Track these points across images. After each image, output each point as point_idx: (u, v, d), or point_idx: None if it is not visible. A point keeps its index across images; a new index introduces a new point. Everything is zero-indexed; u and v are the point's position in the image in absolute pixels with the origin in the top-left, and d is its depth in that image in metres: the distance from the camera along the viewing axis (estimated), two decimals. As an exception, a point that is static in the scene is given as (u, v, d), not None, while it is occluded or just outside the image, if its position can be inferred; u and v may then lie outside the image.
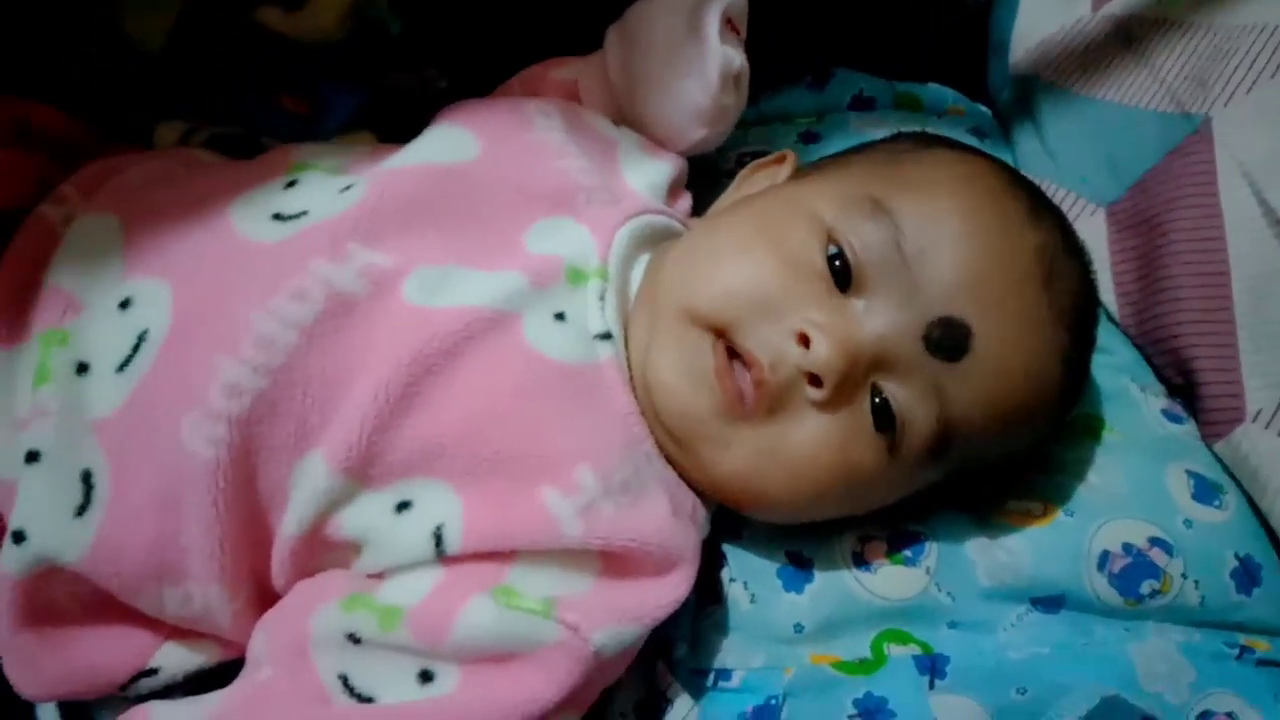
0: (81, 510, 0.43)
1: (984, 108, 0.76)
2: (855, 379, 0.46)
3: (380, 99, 0.64)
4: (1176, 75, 0.61)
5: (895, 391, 0.46)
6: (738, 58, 0.57)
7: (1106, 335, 0.61)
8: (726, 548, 0.52)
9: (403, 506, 0.43)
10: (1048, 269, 0.48)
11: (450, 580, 0.42)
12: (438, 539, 0.43)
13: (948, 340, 0.46)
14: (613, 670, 0.46)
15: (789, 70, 0.73)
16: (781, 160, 0.56)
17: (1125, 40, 0.65)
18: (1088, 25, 0.67)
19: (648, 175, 0.55)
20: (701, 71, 0.56)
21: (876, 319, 0.46)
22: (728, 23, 0.56)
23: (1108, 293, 0.62)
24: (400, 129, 0.56)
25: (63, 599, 0.45)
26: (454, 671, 0.41)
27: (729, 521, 0.52)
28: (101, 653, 0.46)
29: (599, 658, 0.42)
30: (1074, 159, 0.66)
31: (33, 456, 0.43)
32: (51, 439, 0.43)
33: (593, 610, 0.42)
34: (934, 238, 0.46)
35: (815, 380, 0.45)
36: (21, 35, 0.59)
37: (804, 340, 0.45)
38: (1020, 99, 0.71)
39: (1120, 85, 0.64)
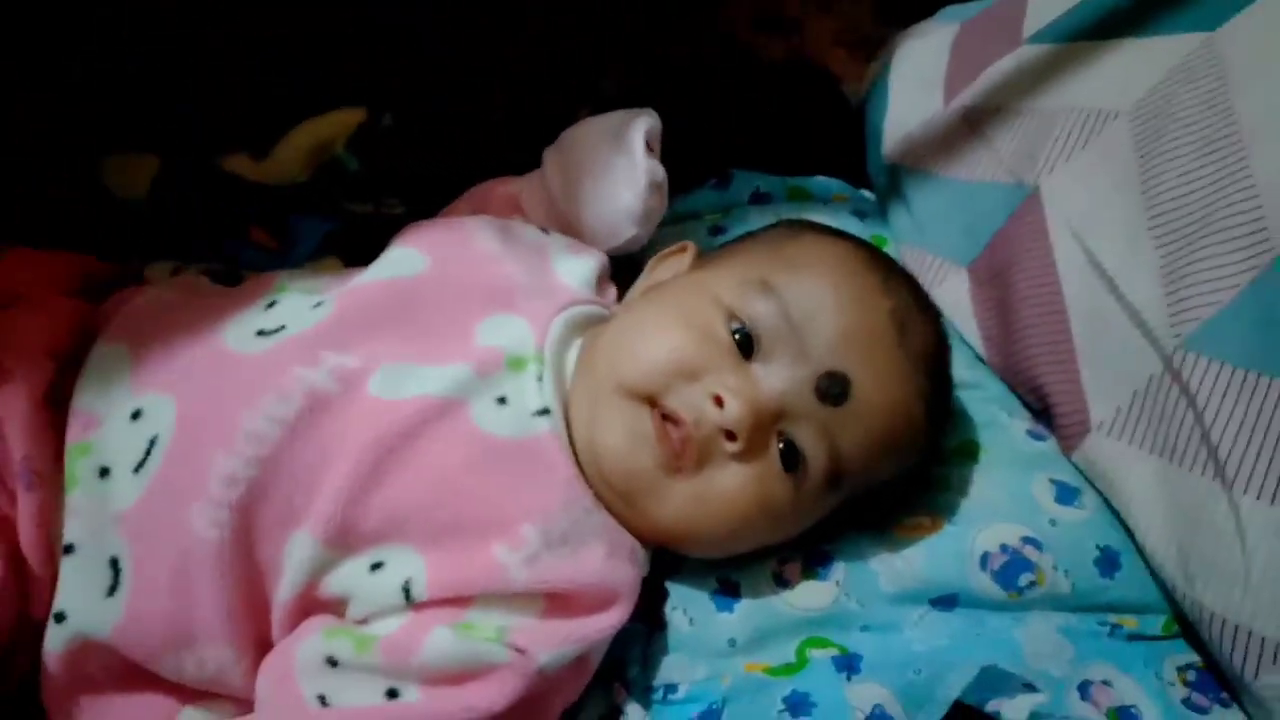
0: (111, 591, 0.51)
1: (866, 192, 0.88)
2: (763, 429, 0.55)
3: (343, 226, 0.75)
4: (1011, 153, 0.73)
5: (797, 434, 0.56)
6: (659, 169, 0.68)
7: (977, 373, 0.71)
8: (668, 583, 0.61)
9: (376, 566, 0.52)
10: (900, 327, 0.58)
11: (418, 619, 0.51)
12: (406, 591, 0.51)
13: (834, 389, 0.56)
14: (568, 690, 0.53)
15: (695, 174, 0.85)
16: (683, 250, 0.67)
17: (970, 127, 0.77)
18: (941, 117, 0.79)
19: (577, 271, 0.66)
20: (631, 180, 0.67)
21: (775, 379, 0.56)
22: (646, 144, 0.68)
23: (974, 338, 0.72)
24: (363, 252, 0.66)
25: (96, 671, 0.52)
26: (416, 690, 0.49)
27: (668, 561, 0.61)
28: (131, 714, 0.53)
29: (543, 675, 0.50)
30: (938, 229, 0.77)
31: (68, 550, 0.52)
32: (82, 533, 0.52)
33: (538, 636, 0.51)
34: (813, 307, 0.57)
35: (730, 435, 0.54)
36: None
37: (719, 402, 0.54)
38: (892, 183, 0.83)
39: (969, 164, 0.76)
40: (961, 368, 0.70)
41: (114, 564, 0.51)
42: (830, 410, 0.56)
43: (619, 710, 0.56)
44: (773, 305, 0.57)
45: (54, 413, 0.54)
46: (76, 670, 0.52)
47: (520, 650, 0.50)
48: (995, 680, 0.54)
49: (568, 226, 0.70)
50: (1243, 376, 0.55)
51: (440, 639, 0.49)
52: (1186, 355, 0.57)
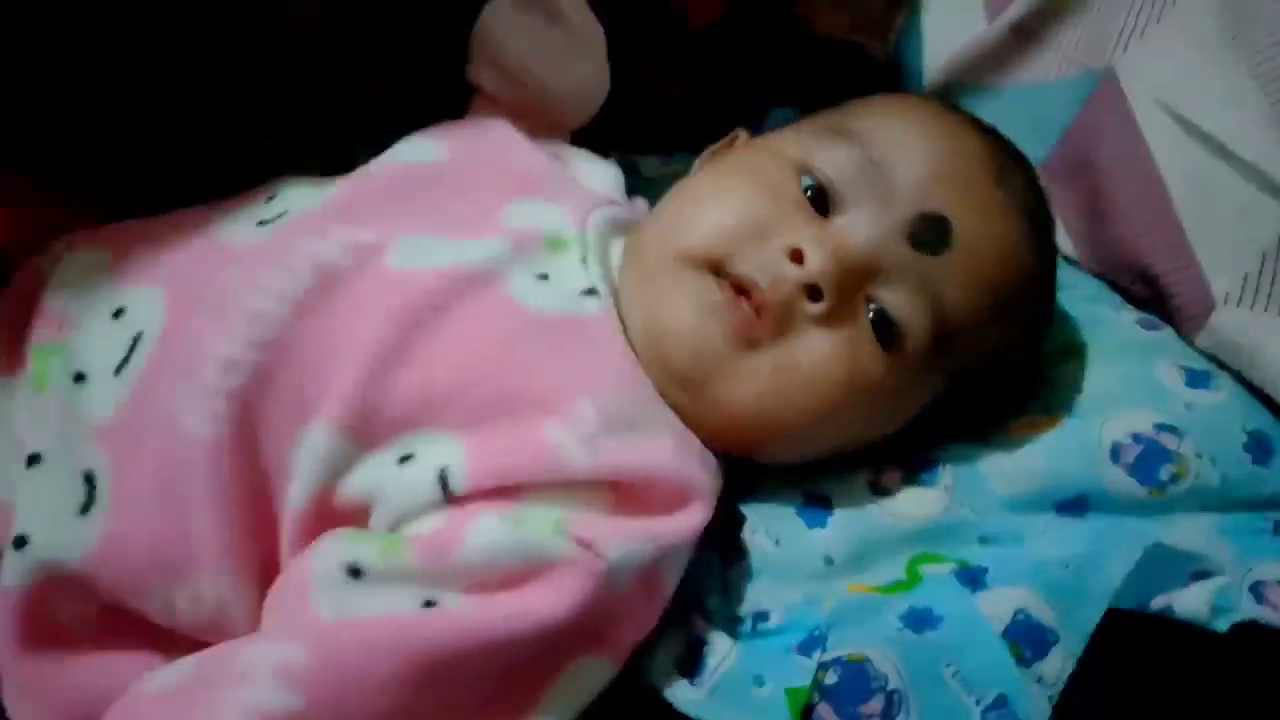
0: (85, 508, 0.42)
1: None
2: (851, 288, 0.47)
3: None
4: (1075, 46, 0.67)
5: (889, 298, 0.48)
6: None
7: (1067, 274, 0.63)
8: (744, 507, 0.51)
9: (405, 459, 0.43)
10: (1000, 166, 0.51)
11: (458, 515, 0.41)
12: (443, 481, 0.42)
13: (931, 233, 0.48)
14: (640, 616, 0.44)
15: (730, 115, 0.79)
16: (733, 140, 0.60)
17: (1025, 35, 0.71)
18: (988, 34, 0.74)
19: (601, 175, 0.58)
20: (559, 20, 0.58)
21: (861, 229, 0.48)
22: None
23: (1062, 238, 0.65)
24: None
25: (67, 616, 0.42)
26: (459, 597, 0.39)
27: (742, 481, 0.52)
28: (110, 677, 0.42)
29: (613, 577, 0.40)
30: None
31: (34, 460, 0.43)
32: (52, 442, 0.43)
33: (605, 530, 0.41)
34: (898, 146, 0.50)
35: (814, 293, 0.46)
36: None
37: (797, 257, 0.46)
38: (942, 107, 0.77)
39: (1030, 68, 0.70)
40: (1054, 264, 0.61)
41: (89, 479, 0.43)
42: (928, 260, 0.48)
43: (699, 642, 0.46)
44: (852, 150, 0.49)
45: None
46: (41, 615, 0.42)
47: (585, 544, 0.40)
48: (1161, 566, 0.44)
49: (545, 123, 0.60)
50: None
51: (486, 529, 0.40)
52: None
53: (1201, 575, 0.45)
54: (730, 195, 0.49)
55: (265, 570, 0.43)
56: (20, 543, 0.41)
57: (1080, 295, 0.61)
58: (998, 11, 0.74)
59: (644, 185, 0.71)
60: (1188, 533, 0.49)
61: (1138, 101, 0.61)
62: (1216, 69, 0.58)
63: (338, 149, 0.60)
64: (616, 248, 0.54)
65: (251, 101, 0.58)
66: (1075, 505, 0.51)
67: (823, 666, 0.44)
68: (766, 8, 0.87)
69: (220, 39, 0.57)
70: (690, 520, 0.44)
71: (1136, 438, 0.51)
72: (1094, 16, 0.67)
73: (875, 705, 0.43)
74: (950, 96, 0.76)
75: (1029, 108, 0.69)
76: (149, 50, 0.56)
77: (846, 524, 0.50)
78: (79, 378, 0.45)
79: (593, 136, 0.66)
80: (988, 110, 0.72)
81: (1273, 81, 0.54)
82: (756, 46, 0.89)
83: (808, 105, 0.84)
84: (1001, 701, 0.42)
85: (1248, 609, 0.46)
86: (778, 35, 0.94)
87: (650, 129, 0.78)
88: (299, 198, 0.50)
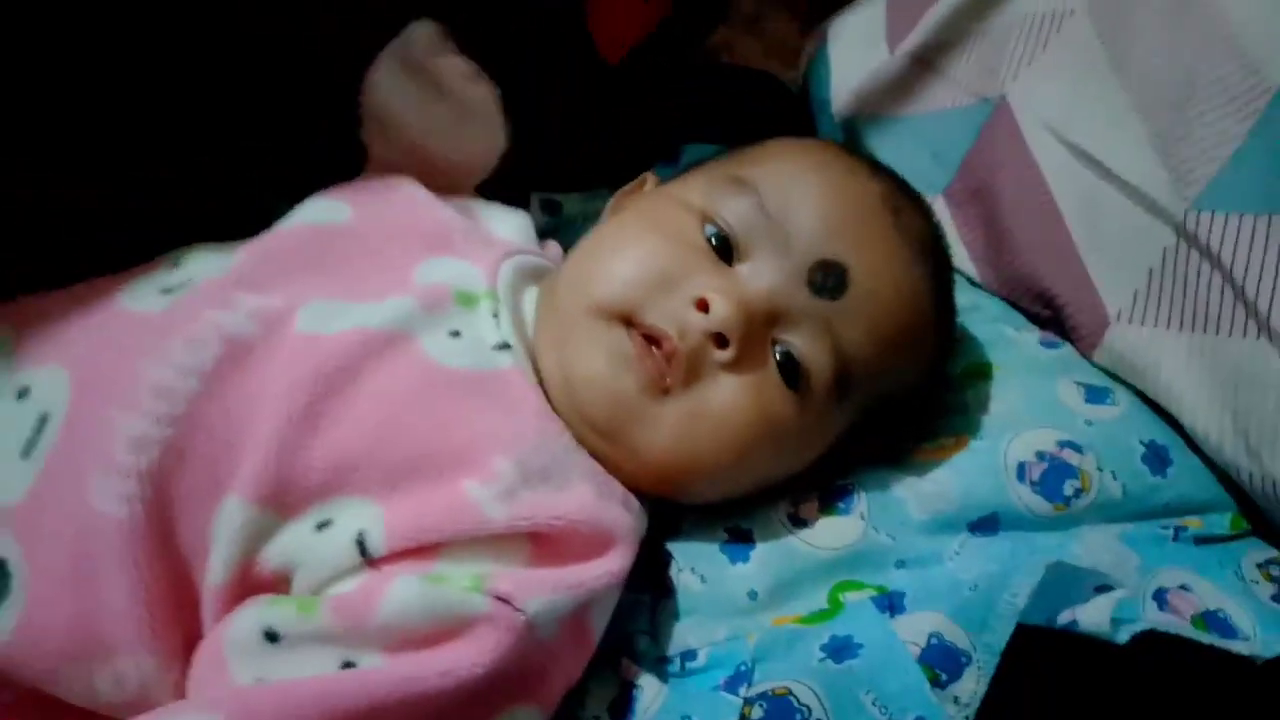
0: (1, 597, 0.42)
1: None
2: (756, 334, 0.49)
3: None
4: (969, 75, 0.70)
5: (794, 341, 0.50)
6: (460, 63, 0.60)
7: (972, 295, 0.65)
8: (670, 545, 0.53)
9: (323, 525, 0.43)
10: (893, 210, 0.53)
11: (377, 576, 0.42)
12: (361, 545, 0.42)
13: (829, 279, 0.50)
14: (568, 663, 0.45)
15: (643, 154, 0.80)
16: (642, 183, 0.61)
17: (921, 65, 0.74)
18: (889, 65, 0.76)
19: (510, 223, 0.59)
20: (446, 94, 0.59)
21: (763, 277, 0.50)
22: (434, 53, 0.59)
23: (964, 262, 0.67)
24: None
25: None
26: (378, 657, 0.40)
27: (667, 520, 0.53)
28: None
29: (533, 629, 0.41)
30: (905, 165, 0.70)
31: None
32: None
33: (524, 582, 0.42)
34: (793, 194, 0.51)
35: (721, 340, 0.48)
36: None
37: (703, 306, 0.48)
38: (849, 137, 0.79)
39: (926, 99, 0.73)
40: (956, 292, 0.64)
41: (1, 569, 0.42)
42: (827, 304, 0.49)
43: (630, 686, 0.47)
44: (747, 199, 0.51)
45: None
46: None
47: (504, 599, 0.41)
48: (1064, 583, 0.46)
49: (438, 186, 0.59)
50: (1266, 221, 0.51)
51: (403, 589, 0.40)
52: (1199, 216, 0.53)
53: (1105, 589, 0.47)
54: (638, 246, 0.51)
55: (188, 646, 0.43)
56: None
57: (985, 316, 0.64)
58: (897, 42, 0.77)
59: (566, 223, 0.73)
60: (1093, 544, 0.51)
61: (1029, 128, 0.64)
62: (1099, 95, 0.60)
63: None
64: (530, 296, 0.55)
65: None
66: (987, 524, 0.52)
67: (748, 702, 0.45)
68: (681, 38, 0.89)
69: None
70: (611, 565, 0.45)
71: (1041, 455, 0.53)
72: (985, 45, 0.70)
73: (800, 736, 0.44)
74: (856, 127, 0.78)
75: (930, 137, 0.71)
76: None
77: (768, 558, 0.51)
78: None
79: (509, 176, 0.67)
80: (892, 140, 0.75)
81: (1149, 110, 0.57)
82: (671, 81, 0.91)
83: (722, 138, 0.87)
84: (919, 725, 0.44)
85: (1151, 617, 0.48)
86: (691, 68, 0.96)
87: (568, 166, 0.79)
88: (204, 264, 0.51)
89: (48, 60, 0.53)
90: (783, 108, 0.90)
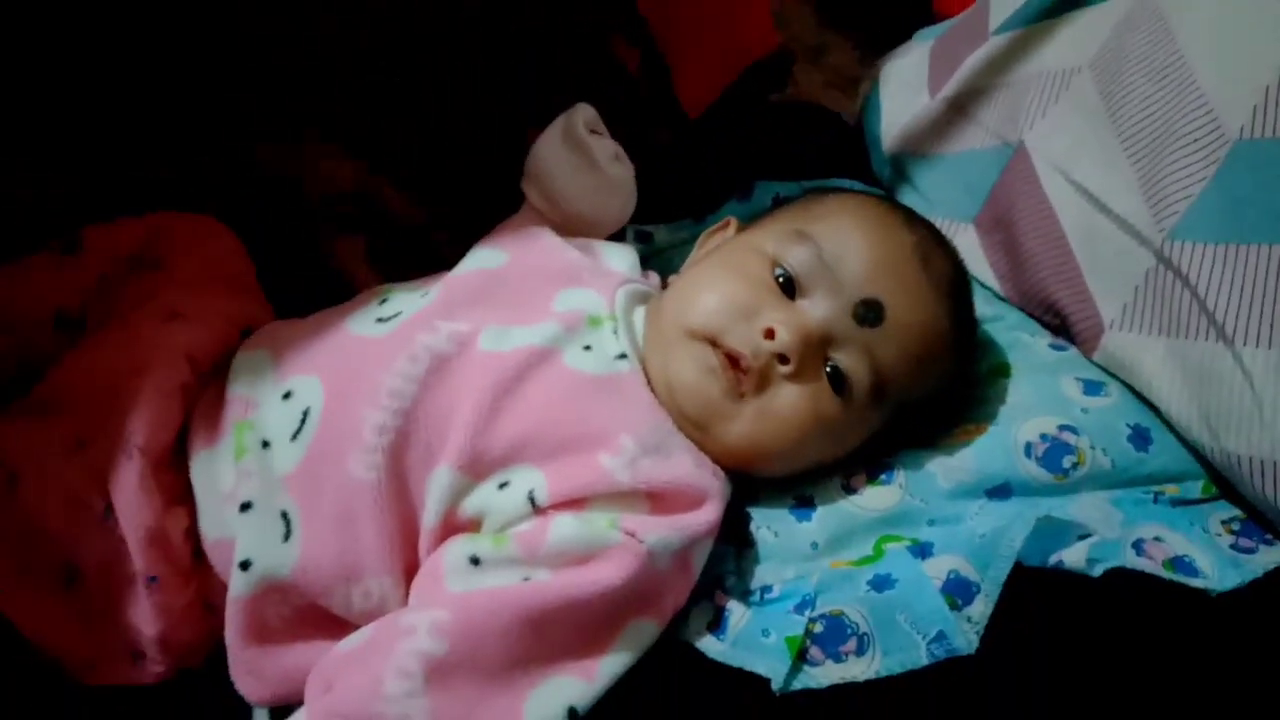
0: (286, 537, 0.60)
1: (876, 189, 0.98)
2: (812, 354, 0.64)
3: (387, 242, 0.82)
4: (995, 121, 0.83)
5: (841, 360, 0.64)
6: (609, 144, 0.77)
7: (996, 307, 0.79)
8: (749, 509, 0.68)
9: (503, 485, 0.60)
10: (923, 258, 0.67)
11: (544, 519, 0.58)
12: (531, 499, 0.59)
13: (870, 313, 0.65)
14: (677, 589, 0.60)
15: (721, 189, 0.95)
16: (726, 225, 0.77)
17: (956, 111, 0.88)
18: (929, 109, 0.90)
19: (622, 258, 0.76)
20: (597, 167, 0.76)
21: (818, 310, 0.65)
22: (592, 131, 0.77)
23: (989, 279, 0.81)
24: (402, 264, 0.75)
25: (273, 619, 0.60)
26: (548, 573, 0.56)
27: (747, 490, 0.69)
28: (305, 657, 0.59)
29: (652, 557, 0.57)
30: (943, 196, 0.87)
31: (245, 506, 0.60)
32: (257, 492, 0.60)
33: (645, 524, 0.58)
34: (844, 246, 0.66)
35: (783, 359, 0.63)
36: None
37: (770, 334, 0.63)
38: (897, 172, 0.93)
39: (960, 139, 0.86)
40: (983, 304, 0.78)
41: (285, 516, 0.60)
42: (868, 332, 0.64)
43: (723, 611, 0.62)
44: (808, 249, 0.66)
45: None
46: (258, 616, 0.59)
47: (630, 534, 0.57)
48: (1054, 532, 0.60)
49: (573, 231, 0.78)
50: (1224, 250, 0.63)
51: (563, 525, 0.57)
52: (1174, 245, 0.65)
53: (1085, 537, 0.61)
54: (723, 285, 0.66)
55: (409, 571, 0.60)
56: (245, 565, 0.59)
57: (1006, 325, 0.78)
58: (937, 89, 0.90)
59: (657, 251, 0.89)
60: (1086, 505, 0.65)
61: (1042, 169, 0.77)
62: (1098, 141, 0.72)
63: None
64: (639, 316, 0.71)
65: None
66: (1001, 491, 0.66)
67: (812, 620, 0.60)
68: (749, 96, 1.04)
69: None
70: (707, 516, 0.61)
71: (1044, 437, 0.67)
72: (1009, 96, 0.82)
73: (851, 644, 0.59)
74: (902, 162, 0.92)
75: (963, 173, 0.85)
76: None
77: (826, 517, 0.66)
78: (265, 444, 0.62)
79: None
80: (932, 174, 0.89)
81: (1136, 155, 0.69)
82: (740, 123, 1.05)
83: (789, 173, 1.01)
84: (941, 636, 0.58)
85: (1130, 561, 0.61)
86: (759, 109, 1.10)
87: (656, 203, 0.94)
88: (408, 302, 0.68)
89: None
90: (840, 142, 1.05)
